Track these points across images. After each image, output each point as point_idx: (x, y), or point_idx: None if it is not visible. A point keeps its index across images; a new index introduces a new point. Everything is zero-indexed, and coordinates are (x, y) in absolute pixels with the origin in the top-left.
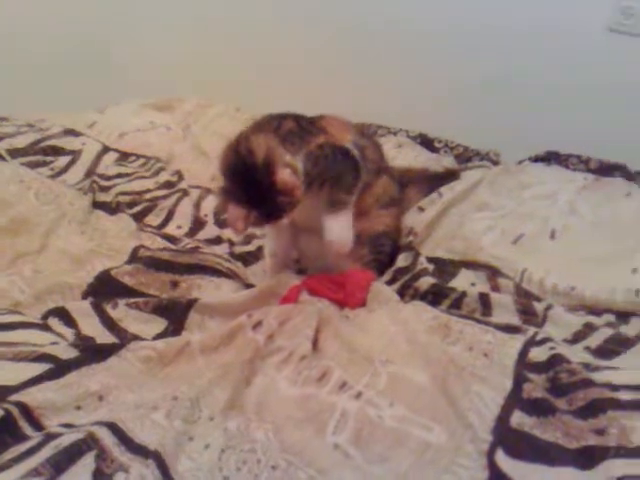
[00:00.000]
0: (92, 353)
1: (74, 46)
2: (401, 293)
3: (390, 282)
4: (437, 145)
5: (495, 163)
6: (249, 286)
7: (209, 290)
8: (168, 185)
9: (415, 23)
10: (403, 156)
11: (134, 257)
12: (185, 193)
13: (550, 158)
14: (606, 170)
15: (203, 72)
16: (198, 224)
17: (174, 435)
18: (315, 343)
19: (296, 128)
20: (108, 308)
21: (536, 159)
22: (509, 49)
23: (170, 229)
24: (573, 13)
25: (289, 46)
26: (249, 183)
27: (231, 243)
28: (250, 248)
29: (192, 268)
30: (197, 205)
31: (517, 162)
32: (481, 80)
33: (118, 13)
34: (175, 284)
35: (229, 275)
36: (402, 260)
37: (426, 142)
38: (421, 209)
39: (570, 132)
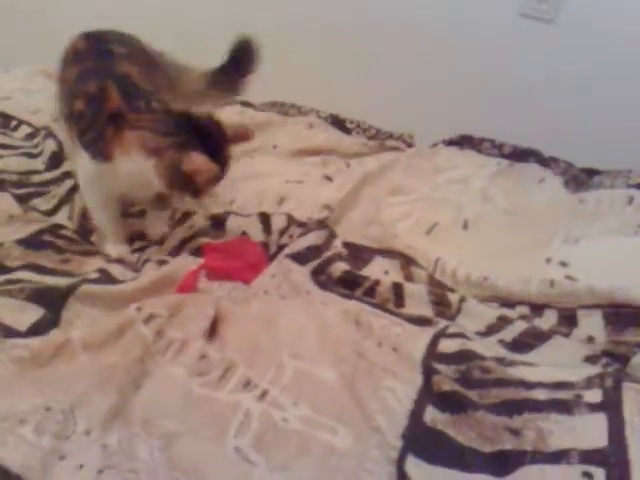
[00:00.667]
0: None
1: None
2: (313, 276)
3: (300, 260)
4: (349, 126)
5: (409, 145)
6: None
7: (101, 265)
8: (55, 160)
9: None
10: (314, 136)
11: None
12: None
13: (463, 142)
14: (520, 155)
15: None
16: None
17: (42, 454)
18: (215, 334)
19: None
20: None
21: (449, 142)
22: (420, 32)
23: (60, 218)
24: None
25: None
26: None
27: None
28: None
29: (84, 252)
30: None
31: (431, 145)
32: (394, 63)
33: None
34: (66, 261)
35: (119, 261)
36: (315, 237)
37: (337, 123)
38: (328, 178)
39: (482, 117)
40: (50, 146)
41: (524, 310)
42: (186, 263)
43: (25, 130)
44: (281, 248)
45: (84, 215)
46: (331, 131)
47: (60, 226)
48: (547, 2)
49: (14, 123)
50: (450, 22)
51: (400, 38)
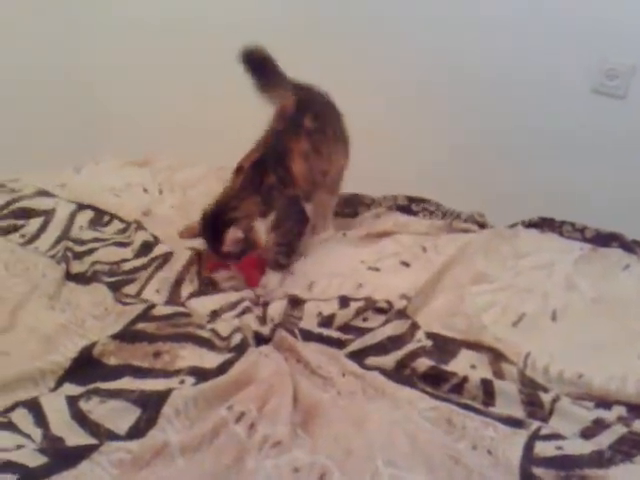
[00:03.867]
0: (62, 458)
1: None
2: (396, 370)
3: (380, 351)
4: (415, 209)
5: (481, 225)
6: (228, 362)
7: (192, 360)
8: (146, 249)
9: (400, 79)
10: (382, 223)
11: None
12: (165, 259)
13: (543, 225)
14: (603, 240)
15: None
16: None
17: None
18: (305, 426)
19: (276, 182)
20: (81, 402)
21: (529, 224)
22: (492, 111)
23: (148, 294)
24: (557, 74)
25: None
26: None
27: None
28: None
29: (175, 337)
30: (181, 272)
31: (508, 226)
32: (464, 141)
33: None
34: (157, 354)
35: (210, 345)
36: (393, 327)
37: (403, 208)
38: (405, 264)
39: (555, 194)
40: (141, 236)
41: (621, 411)
42: (262, 363)
43: (117, 225)
44: (348, 327)
45: (175, 283)
46: (398, 215)
47: (151, 307)
48: (618, 78)
49: (106, 219)
50: (522, 100)
51: (469, 117)
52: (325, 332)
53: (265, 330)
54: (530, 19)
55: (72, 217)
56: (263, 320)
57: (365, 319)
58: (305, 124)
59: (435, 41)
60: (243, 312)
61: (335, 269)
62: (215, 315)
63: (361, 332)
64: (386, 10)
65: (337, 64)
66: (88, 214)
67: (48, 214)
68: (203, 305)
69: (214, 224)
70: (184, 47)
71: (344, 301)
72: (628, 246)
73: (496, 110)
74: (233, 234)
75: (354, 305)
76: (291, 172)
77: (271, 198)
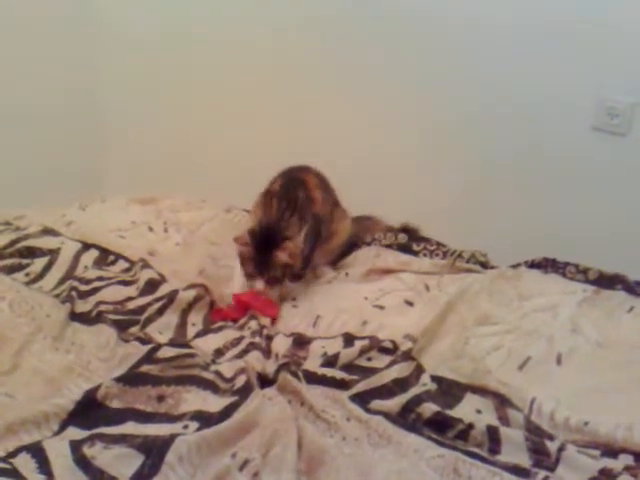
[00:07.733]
0: None
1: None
2: (401, 415)
3: (385, 394)
4: (416, 248)
5: (483, 265)
6: (232, 406)
7: (196, 404)
8: (151, 287)
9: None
10: (383, 260)
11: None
12: (170, 299)
13: (547, 265)
14: (606, 281)
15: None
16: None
17: None
18: (310, 474)
19: (305, 198)
20: (85, 447)
21: (532, 265)
22: (493, 149)
23: (151, 334)
24: (558, 112)
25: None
26: None
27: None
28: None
29: (178, 380)
30: (185, 311)
31: (511, 265)
32: (464, 180)
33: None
34: (161, 398)
35: (214, 388)
36: (399, 370)
37: (403, 247)
38: (409, 303)
39: (556, 232)
40: (147, 274)
41: (628, 460)
42: (267, 408)
43: (122, 265)
44: (352, 367)
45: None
46: (398, 254)
47: (155, 348)
48: (619, 117)
49: (111, 258)
50: (523, 137)
51: (469, 155)
52: (329, 373)
53: (270, 368)
54: (530, 57)
55: (77, 257)
56: (267, 354)
57: (369, 359)
58: (310, 170)
59: (435, 81)
60: (247, 350)
61: (340, 304)
62: (219, 353)
63: (365, 372)
64: (391, 53)
65: (343, 98)
66: (93, 254)
67: (53, 253)
68: (207, 343)
69: (265, 243)
70: (193, 89)
71: (349, 339)
72: (631, 288)
73: (497, 149)
74: (281, 258)
75: (359, 344)
76: (311, 195)
77: (304, 212)
